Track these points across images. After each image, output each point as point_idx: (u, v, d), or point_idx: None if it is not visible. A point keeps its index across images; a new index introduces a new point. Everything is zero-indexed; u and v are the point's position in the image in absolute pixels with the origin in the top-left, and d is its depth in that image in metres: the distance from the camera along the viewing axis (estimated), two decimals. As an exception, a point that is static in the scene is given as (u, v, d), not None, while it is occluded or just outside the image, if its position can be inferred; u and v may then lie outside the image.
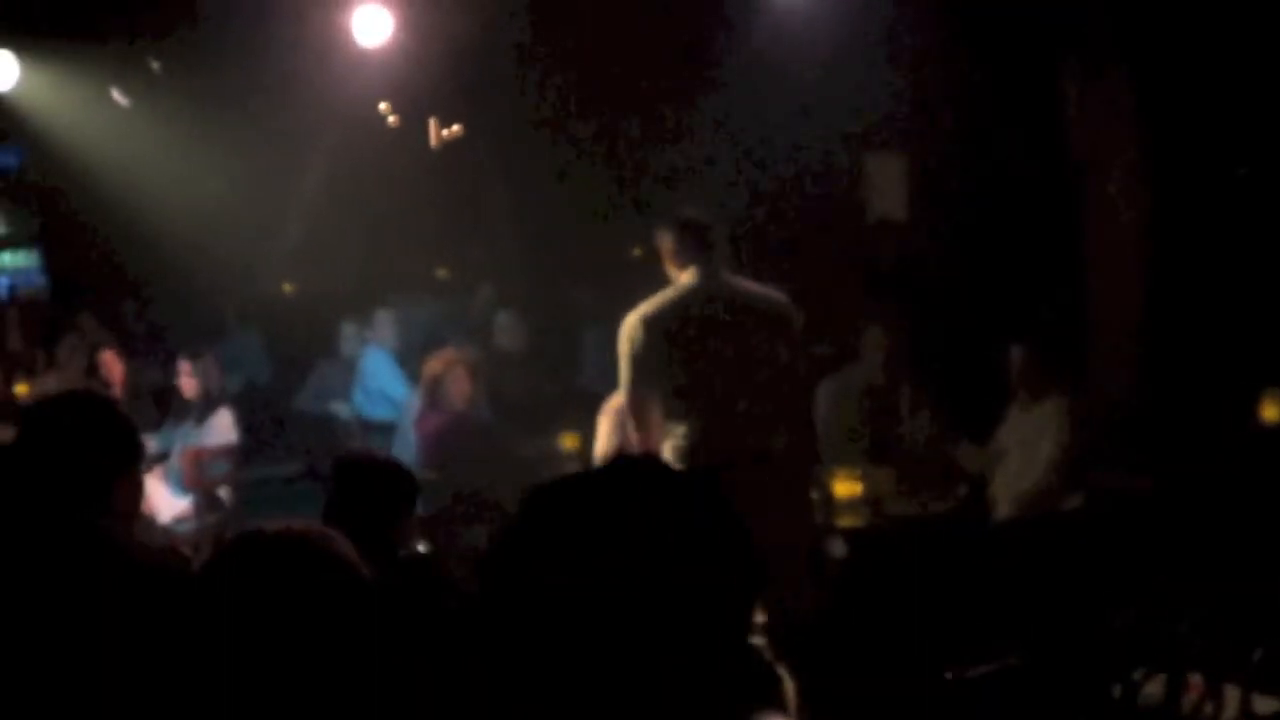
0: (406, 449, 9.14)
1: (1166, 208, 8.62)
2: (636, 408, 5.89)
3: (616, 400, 6.30)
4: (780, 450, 5.88)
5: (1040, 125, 9.14)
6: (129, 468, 3.42)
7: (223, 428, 9.16)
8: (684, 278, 5.94)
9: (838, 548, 6.55)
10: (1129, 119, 8.68)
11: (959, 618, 5.82)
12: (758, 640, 5.78)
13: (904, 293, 9.56)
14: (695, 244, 5.93)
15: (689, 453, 5.81)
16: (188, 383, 9.27)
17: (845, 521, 6.64)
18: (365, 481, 4.52)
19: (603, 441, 6.55)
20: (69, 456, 3.29)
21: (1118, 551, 6.14)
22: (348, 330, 10.89)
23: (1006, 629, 5.70)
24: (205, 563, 2.71)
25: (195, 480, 9.02)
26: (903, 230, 10.66)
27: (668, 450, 5.87)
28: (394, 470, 4.68)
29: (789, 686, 5.72)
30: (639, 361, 5.84)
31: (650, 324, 5.84)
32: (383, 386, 10.49)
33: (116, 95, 12.48)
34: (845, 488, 6.72)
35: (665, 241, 6.01)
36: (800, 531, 5.97)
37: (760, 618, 5.81)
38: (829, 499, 6.64)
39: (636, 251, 12.97)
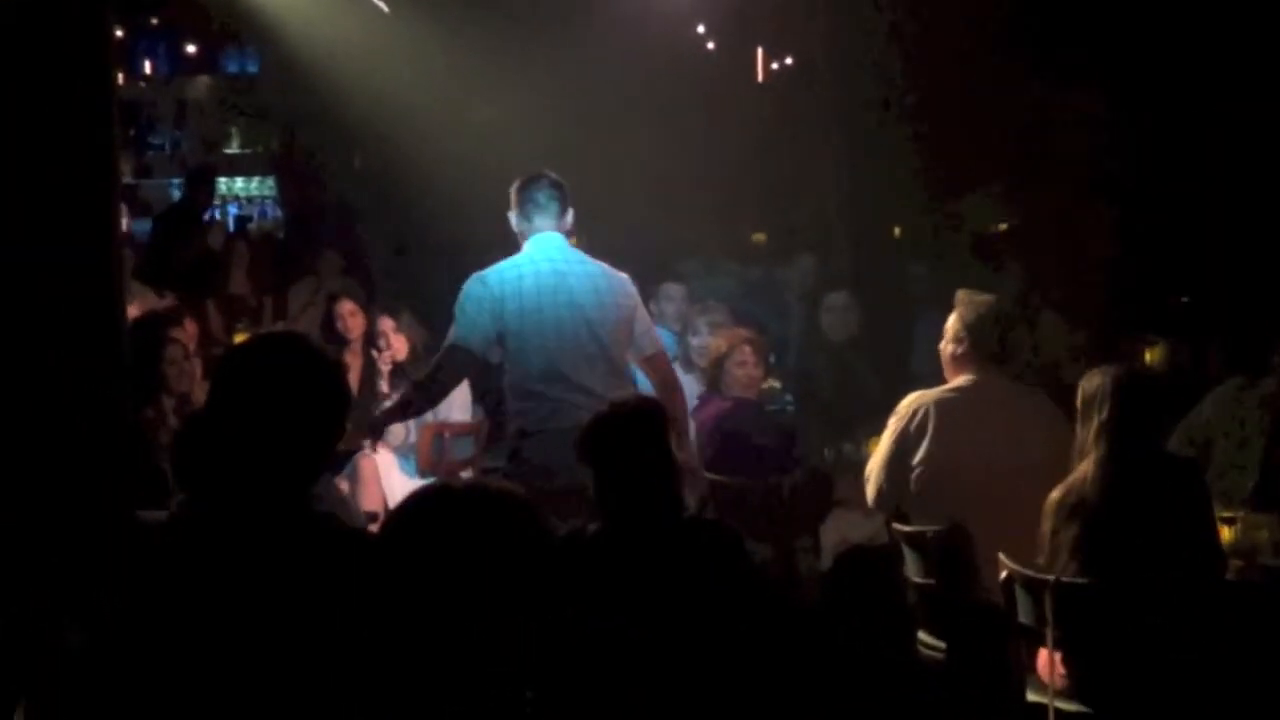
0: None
1: None
2: (881, 500, 7.05)
3: (905, 403, 7.10)
4: None
5: None
6: (333, 431, 3.53)
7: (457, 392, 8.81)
8: (962, 375, 7.06)
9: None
10: None
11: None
12: None
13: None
14: (983, 347, 7.06)
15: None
16: (396, 340, 9.49)
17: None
18: None
19: (884, 445, 7.09)
20: (274, 419, 3.37)
21: None
22: (672, 291, 10.15)
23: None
24: (397, 508, 3.21)
25: (433, 462, 9.21)
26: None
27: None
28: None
29: None
30: (903, 442, 6.97)
31: (936, 407, 6.97)
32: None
33: (375, -2, 12.78)
34: (1217, 532, 6.38)
35: (953, 332, 7.08)
36: None
37: None
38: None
39: (1001, 227, 13.13)
